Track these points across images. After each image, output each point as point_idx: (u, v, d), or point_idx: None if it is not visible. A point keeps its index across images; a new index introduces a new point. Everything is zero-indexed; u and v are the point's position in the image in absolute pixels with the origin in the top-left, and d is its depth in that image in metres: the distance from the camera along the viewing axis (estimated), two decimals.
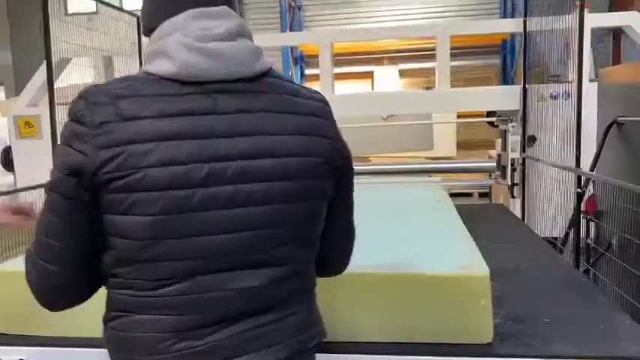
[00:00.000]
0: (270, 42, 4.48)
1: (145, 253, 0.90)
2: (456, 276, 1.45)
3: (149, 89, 0.91)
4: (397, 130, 7.32)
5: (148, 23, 1.00)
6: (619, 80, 2.75)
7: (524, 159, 3.30)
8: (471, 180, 4.14)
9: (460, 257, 1.57)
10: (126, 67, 3.71)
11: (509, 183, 3.40)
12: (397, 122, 6.21)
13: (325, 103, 1.07)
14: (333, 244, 1.13)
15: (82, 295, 0.99)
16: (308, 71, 9.64)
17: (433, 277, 1.46)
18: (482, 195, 6.04)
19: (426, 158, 7.91)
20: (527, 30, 3.31)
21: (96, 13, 9.24)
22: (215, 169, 0.90)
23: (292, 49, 8.39)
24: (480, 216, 3.21)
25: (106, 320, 0.98)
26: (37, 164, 3.54)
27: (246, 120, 0.94)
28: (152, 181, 0.87)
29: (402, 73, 9.11)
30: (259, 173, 0.93)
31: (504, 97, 3.32)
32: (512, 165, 3.38)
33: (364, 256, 1.53)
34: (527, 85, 3.24)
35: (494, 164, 3.44)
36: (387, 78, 9.01)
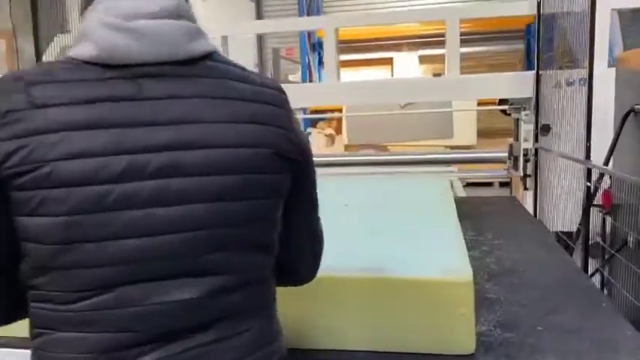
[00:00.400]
0: (273, 28, 4.31)
1: (58, 259, 0.80)
2: (434, 281, 1.34)
3: (67, 74, 0.81)
4: (416, 119, 7.15)
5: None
6: (637, 65, 2.56)
7: (537, 149, 3.13)
8: (486, 170, 3.97)
9: (444, 260, 1.45)
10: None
11: (522, 174, 3.24)
12: (415, 110, 6.07)
13: (280, 90, 0.96)
14: (294, 249, 1.02)
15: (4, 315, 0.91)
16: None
17: (409, 281, 1.35)
18: (503, 184, 5.85)
19: (446, 147, 7.74)
20: (543, 12, 3.13)
21: None
22: (135, 162, 0.79)
23: (309, 35, 8.26)
24: (489, 209, 3.07)
25: (31, 338, 0.89)
26: None
27: (177, 107, 0.83)
28: (61, 176, 0.77)
29: (422, 60, 8.90)
30: (191, 166, 0.82)
31: (516, 84, 3.15)
32: (524, 155, 3.22)
33: (342, 256, 1.45)
34: (541, 72, 3.06)
35: (505, 155, 3.29)
36: (407, 64, 8.81)
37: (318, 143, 7.70)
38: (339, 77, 3.17)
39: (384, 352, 1.35)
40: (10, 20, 6.57)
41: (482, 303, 1.66)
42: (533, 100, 3.09)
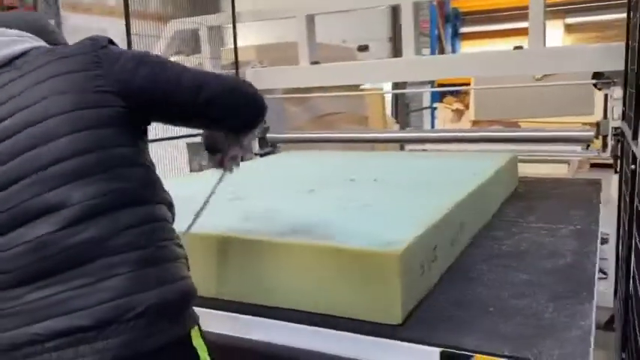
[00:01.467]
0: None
1: None
2: (364, 251, 1.42)
3: None
4: (552, 93, 6.64)
5: None
6: None
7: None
8: (565, 152, 3.62)
9: (393, 234, 1.50)
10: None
11: (609, 154, 2.95)
12: (552, 83, 5.65)
13: (92, 39, 1.17)
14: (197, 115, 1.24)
15: None
16: (465, 29, 9.15)
17: (342, 249, 1.44)
18: (595, 166, 5.10)
19: (583, 124, 7.05)
20: None
21: None
22: None
23: (442, 5, 8.03)
24: (559, 191, 2.89)
25: None
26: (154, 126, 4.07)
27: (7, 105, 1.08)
28: None
29: (570, 28, 8.12)
30: (23, 127, 1.07)
31: (605, 57, 2.86)
32: (615, 135, 2.92)
33: (302, 225, 1.59)
34: (632, 43, 2.74)
35: (592, 134, 3.00)
36: (550, 34, 8.10)
37: (444, 118, 7.54)
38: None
39: (323, 314, 1.47)
40: None
41: (457, 281, 1.67)
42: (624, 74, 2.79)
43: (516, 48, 3.19)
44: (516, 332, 1.33)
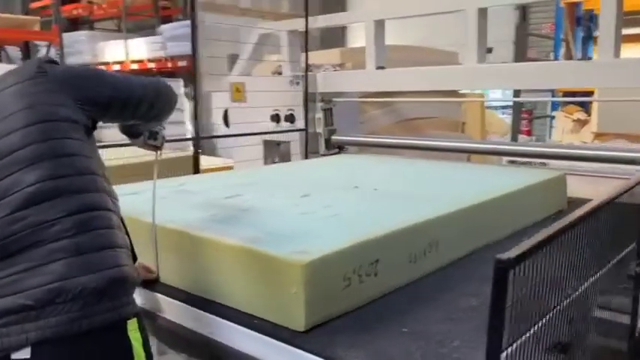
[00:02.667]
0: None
1: None
2: (274, 258, 1.47)
3: None
4: None
5: None
6: None
7: None
8: None
9: (327, 243, 1.53)
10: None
11: None
12: None
13: (38, 59, 1.43)
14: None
15: None
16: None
17: (260, 254, 1.51)
18: None
19: None
20: None
21: None
22: None
23: (572, 6, 7.40)
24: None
25: None
26: (241, 122, 4.37)
27: None
28: None
29: None
30: None
31: None
32: None
33: (258, 225, 1.69)
34: None
35: None
36: None
37: (563, 127, 6.98)
38: (617, 54, 2.79)
39: (239, 310, 1.55)
40: None
41: (398, 300, 1.64)
42: None
43: (585, 58, 2.91)
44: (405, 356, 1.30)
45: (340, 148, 4.03)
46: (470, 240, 2.04)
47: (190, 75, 8.20)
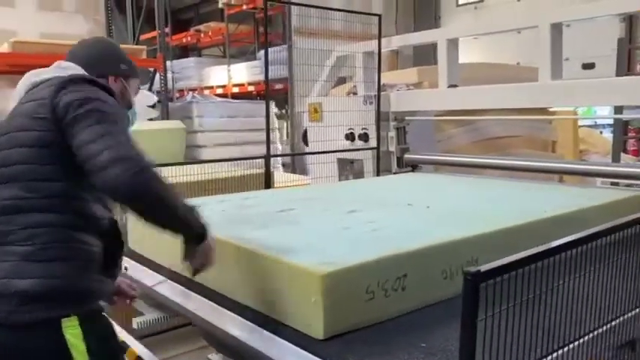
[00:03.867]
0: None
1: None
2: (296, 267, 1.55)
3: None
4: None
5: None
6: None
7: None
8: None
9: (355, 257, 1.59)
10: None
11: None
12: None
13: (64, 78, 1.52)
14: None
15: None
16: None
17: (281, 262, 1.60)
18: None
19: None
20: None
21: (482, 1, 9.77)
22: None
23: None
24: None
25: None
26: (316, 142, 4.53)
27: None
28: None
29: None
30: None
31: None
32: None
33: (300, 238, 1.80)
34: None
35: None
36: None
37: None
38: None
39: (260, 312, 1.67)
40: None
41: (428, 315, 1.65)
42: None
43: None
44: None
45: (414, 166, 4.04)
46: None
47: (284, 97, 8.61)
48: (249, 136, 6.83)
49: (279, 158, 6.95)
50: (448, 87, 3.67)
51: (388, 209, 2.35)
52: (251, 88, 9.53)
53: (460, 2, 9.96)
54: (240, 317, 1.68)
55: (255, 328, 1.61)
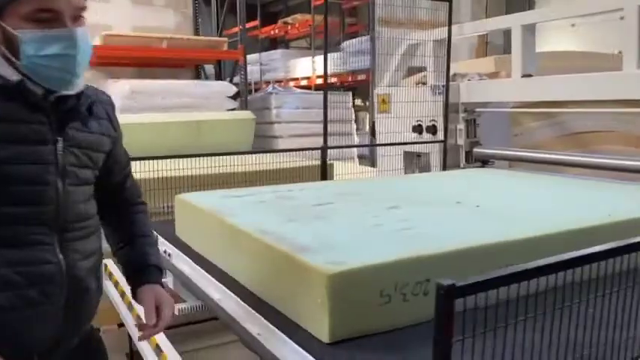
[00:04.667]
0: None
1: None
2: (303, 264, 1.48)
3: None
4: None
5: None
6: None
7: None
8: None
9: (371, 256, 1.49)
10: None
11: None
12: None
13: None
14: None
15: None
16: None
17: (292, 258, 1.53)
18: None
19: None
20: None
21: None
22: None
23: None
24: None
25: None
26: (384, 133, 4.41)
27: None
28: None
29: None
30: None
31: None
32: None
33: (323, 233, 1.75)
34: None
35: None
36: None
37: None
38: None
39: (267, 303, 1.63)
40: None
41: None
42: None
43: None
44: None
45: (484, 162, 3.80)
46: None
47: (365, 88, 8.51)
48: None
49: (354, 151, 6.87)
50: (522, 77, 3.40)
51: (432, 207, 2.20)
52: (334, 80, 9.51)
53: None
54: (256, 313, 1.63)
55: (268, 326, 1.55)
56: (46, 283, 1.23)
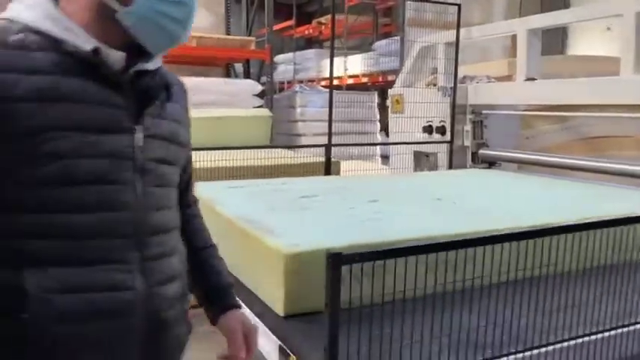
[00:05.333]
0: None
1: None
2: (267, 245, 1.63)
3: None
4: None
5: None
6: None
7: None
8: None
9: (335, 241, 1.62)
10: None
11: None
12: None
13: None
14: None
15: None
16: None
17: (260, 241, 1.69)
18: None
19: None
20: None
21: None
22: None
23: None
24: None
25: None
26: (396, 133, 4.52)
27: None
28: None
29: None
30: None
31: None
32: None
33: (300, 222, 1.90)
34: None
35: None
36: None
37: None
38: None
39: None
40: None
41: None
42: None
43: None
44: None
45: (491, 163, 3.87)
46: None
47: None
48: (348, 127, 6.93)
49: (378, 151, 6.97)
50: (525, 80, 3.46)
51: (410, 202, 2.32)
52: (365, 80, 9.62)
53: None
54: None
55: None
56: (119, 314, 0.95)
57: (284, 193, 2.47)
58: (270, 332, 1.49)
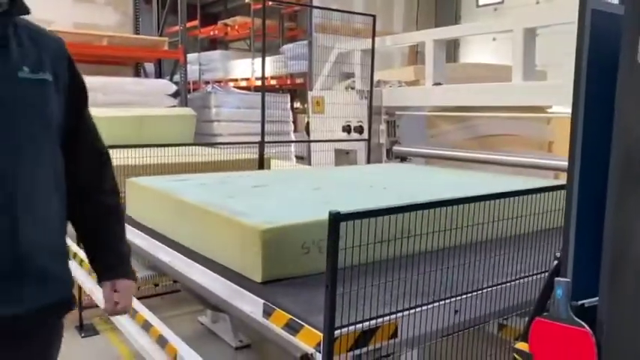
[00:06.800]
0: None
1: None
2: (244, 224, 1.88)
3: None
4: None
5: None
6: None
7: None
8: None
9: (297, 218, 1.91)
10: None
11: None
12: None
13: None
14: None
15: None
16: None
17: (236, 221, 1.94)
18: None
19: None
20: None
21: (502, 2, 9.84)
22: None
23: None
24: None
25: None
26: (317, 132, 4.85)
27: None
28: None
29: None
30: None
31: None
32: None
33: (258, 206, 2.13)
34: None
35: None
36: None
37: None
38: None
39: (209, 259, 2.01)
40: None
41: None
42: None
43: None
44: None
45: (402, 158, 4.32)
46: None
47: (303, 91, 8.95)
48: (266, 127, 7.18)
49: (292, 150, 7.29)
50: (433, 84, 3.94)
51: (348, 188, 2.66)
52: (273, 82, 9.88)
53: (480, 3, 10.12)
54: (200, 266, 2.02)
55: (211, 274, 1.95)
56: None
57: (233, 185, 2.71)
58: (253, 295, 1.74)
